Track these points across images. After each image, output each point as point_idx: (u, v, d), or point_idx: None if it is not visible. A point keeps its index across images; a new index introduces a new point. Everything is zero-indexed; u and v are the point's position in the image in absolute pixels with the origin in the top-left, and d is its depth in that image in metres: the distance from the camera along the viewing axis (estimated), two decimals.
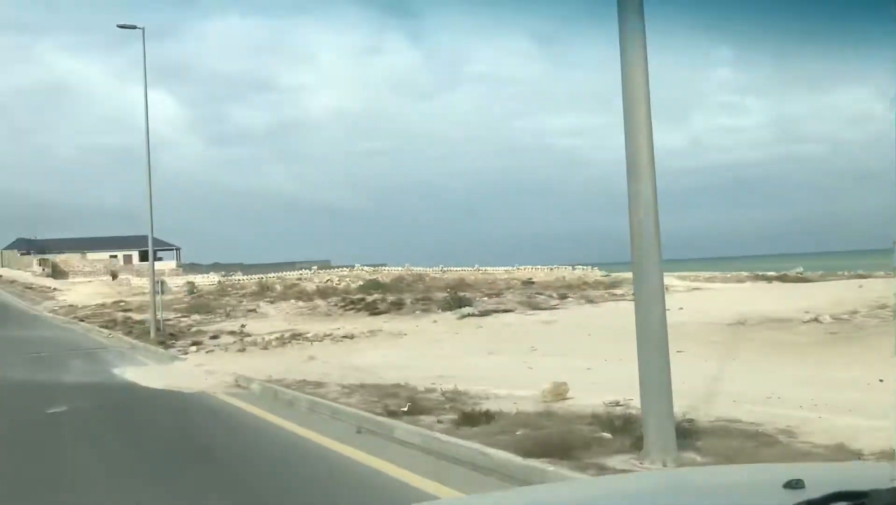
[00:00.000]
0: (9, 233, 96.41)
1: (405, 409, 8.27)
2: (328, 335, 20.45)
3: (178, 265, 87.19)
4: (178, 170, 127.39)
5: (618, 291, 33.41)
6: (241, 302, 39.07)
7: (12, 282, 58.71)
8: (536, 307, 24.88)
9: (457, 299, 25.84)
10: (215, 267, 78.31)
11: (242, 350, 18.22)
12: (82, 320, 35.45)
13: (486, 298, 28.30)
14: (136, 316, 35.47)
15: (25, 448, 9.03)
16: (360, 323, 24.16)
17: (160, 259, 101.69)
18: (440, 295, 31.34)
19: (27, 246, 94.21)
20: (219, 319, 32.01)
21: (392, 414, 8.26)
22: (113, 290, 55.41)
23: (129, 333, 27.35)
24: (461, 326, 21.13)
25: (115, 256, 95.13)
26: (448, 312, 23.87)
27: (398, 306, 27.88)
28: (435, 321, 22.39)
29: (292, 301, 37.52)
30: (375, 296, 35.51)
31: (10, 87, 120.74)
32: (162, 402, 12.14)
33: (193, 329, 27.51)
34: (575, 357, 13.74)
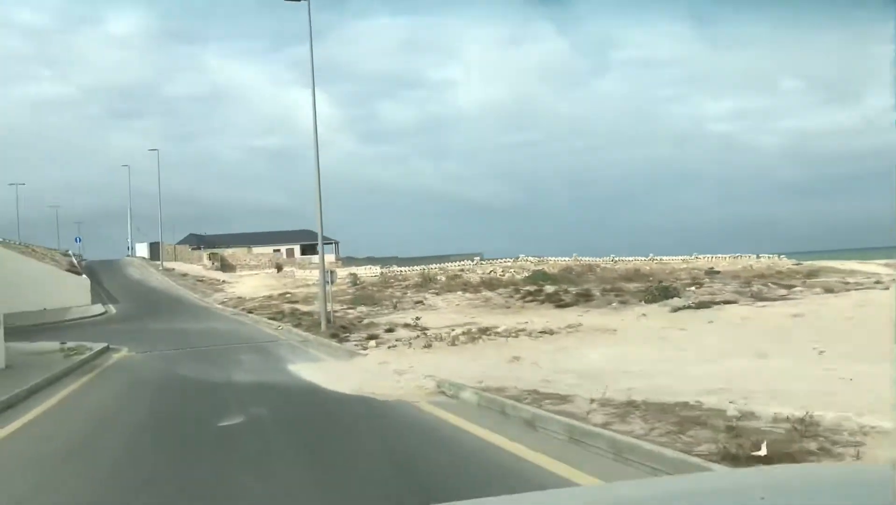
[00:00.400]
0: (181, 230, 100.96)
1: (761, 452, 5.16)
2: (520, 330, 17.58)
3: (337, 258, 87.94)
4: (332, 167, 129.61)
5: (829, 280, 28.63)
6: (405, 293, 37.16)
7: (184, 275, 60.22)
8: (761, 298, 20.94)
9: (661, 290, 22.31)
10: (370, 260, 77.75)
11: (428, 346, 15.67)
12: (251, 312, 34.58)
13: (692, 289, 24.53)
14: (303, 307, 34.23)
15: (195, 482, 6.66)
16: (549, 316, 21.18)
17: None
18: (629, 286, 27.81)
19: (198, 241, 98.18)
20: (386, 311, 30.03)
21: (735, 459, 5.18)
22: (278, 282, 55.45)
23: (298, 325, 25.73)
24: (679, 319, 17.67)
25: (279, 250, 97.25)
26: (654, 304, 20.42)
27: (586, 298, 24.68)
28: (644, 315, 19.02)
29: (459, 292, 35.10)
30: (551, 287, 32.43)
31: (180, 95, 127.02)
32: (354, 413, 9.60)
33: (364, 321, 25.51)
34: (882, 361, 10.03)
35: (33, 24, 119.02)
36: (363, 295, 36.00)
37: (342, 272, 51.70)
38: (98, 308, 41.49)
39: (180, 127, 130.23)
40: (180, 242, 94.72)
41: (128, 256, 78.10)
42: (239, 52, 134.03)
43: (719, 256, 51.38)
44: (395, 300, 32.22)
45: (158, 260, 71.21)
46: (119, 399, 11.76)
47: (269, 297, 42.24)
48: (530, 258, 45.67)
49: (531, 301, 26.31)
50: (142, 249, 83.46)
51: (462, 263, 45.80)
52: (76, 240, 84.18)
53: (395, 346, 16.03)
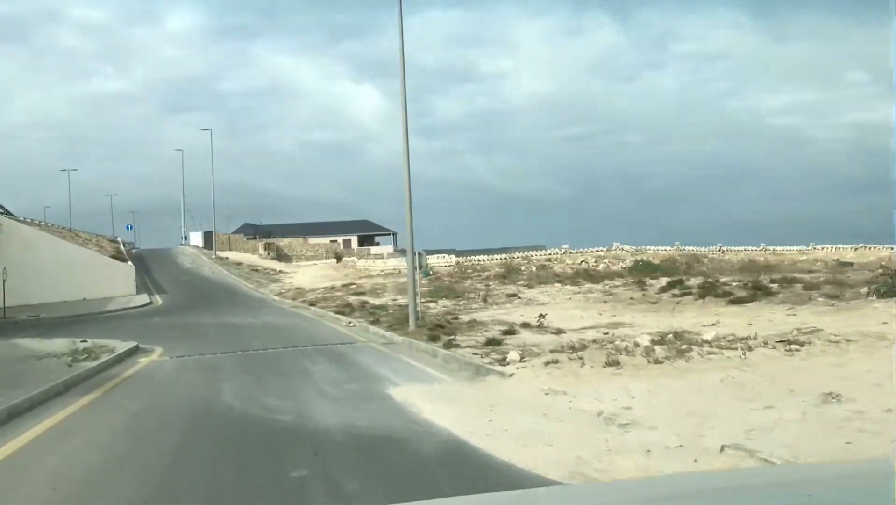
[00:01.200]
0: (236, 221, 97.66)
1: None
2: (741, 339, 11.72)
3: (395, 250, 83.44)
4: (384, 161, 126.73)
5: None
6: (487, 285, 31.72)
7: (239, 264, 55.76)
8: None
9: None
10: (428, 253, 72.74)
11: (613, 363, 9.91)
12: (313, 305, 29.48)
13: None
14: (373, 300, 29.02)
15: None
16: (736, 316, 15.48)
17: (377, 244, 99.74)
18: (803, 276, 21.78)
19: (253, 231, 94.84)
20: (476, 305, 24.57)
21: None
22: (339, 272, 50.49)
23: (375, 322, 20.46)
24: None
25: (335, 241, 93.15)
26: (892, 299, 14.53)
27: (763, 292, 18.87)
28: None
29: (556, 285, 29.44)
30: (666, 278, 26.55)
31: (234, 90, 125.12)
32: None
33: (460, 318, 20.09)
34: None
35: (95, 20, 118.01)
36: (442, 287, 30.59)
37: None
38: (143, 298, 36.99)
39: (235, 122, 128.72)
40: (235, 232, 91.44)
41: (181, 244, 74.54)
42: (293, 46, 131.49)
43: (840, 246, 44.68)
44: (481, 293, 26.72)
45: (212, 249, 67.20)
46: (101, 466, 6.37)
47: (332, 288, 37.19)
48: (626, 247, 39.74)
49: (681, 295, 20.53)
50: (196, 238, 79.89)
51: (549, 251, 40.09)
52: (127, 227, 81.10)
53: (554, 361, 10.37)
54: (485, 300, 25.00)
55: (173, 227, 77.76)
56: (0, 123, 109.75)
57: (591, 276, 32.98)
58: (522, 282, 32.14)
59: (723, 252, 40.93)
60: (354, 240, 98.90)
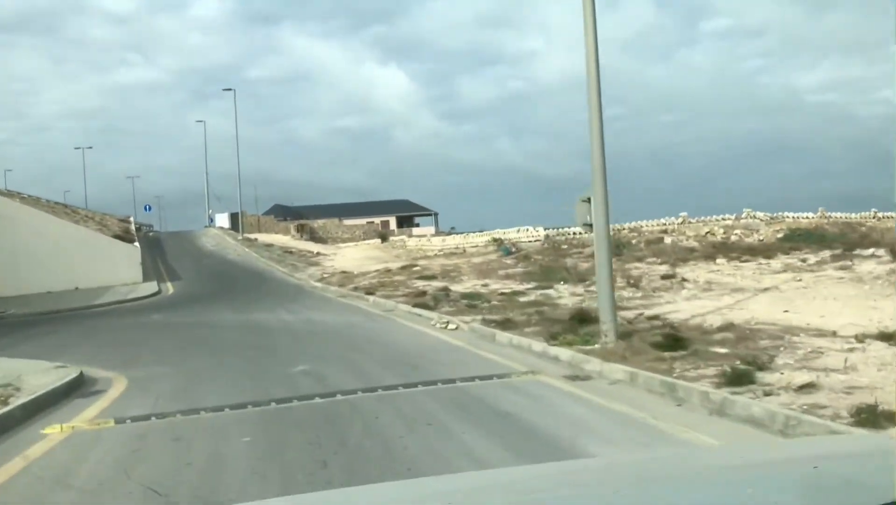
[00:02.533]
0: (266, 203, 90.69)
1: None
2: None
3: (437, 231, 75.82)
4: (414, 145, 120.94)
5: None
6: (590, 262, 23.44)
7: (269, 245, 48.01)
8: None
9: None
10: (452, 231, 65.44)
11: None
12: (370, 293, 21.54)
13: None
14: (454, 287, 20.98)
15: None
16: None
17: (417, 224, 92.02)
18: None
19: (284, 213, 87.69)
20: (629, 294, 16.33)
21: None
22: (386, 253, 42.41)
23: (500, 325, 12.38)
24: None
25: (372, 222, 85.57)
26: None
27: None
28: None
29: (721, 260, 21.12)
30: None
31: (261, 77, 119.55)
32: None
33: (644, 315, 11.87)
34: None
35: (122, 10, 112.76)
36: (542, 267, 22.40)
37: (453, 240, 38.37)
38: (150, 287, 29.28)
39: (262, 109, 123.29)
40: (265, 214, 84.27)
41: (207, 226, 67.38)
42: (320, 31, 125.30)
43: None
44: (631, 278, 18.50)
45: (239, 231, 59.75)
46: None
47: (387, 270, 29.22)
48: (759, 214, 31.24)
49: None
50: (222, 221, 72.75)
51: (664, 221, 31.64)
52: (146, 208, 73.77)
53: None
54: (636, 285, 16.77)
55: (200, 214, 70.46)
56: (32, 114, 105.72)
57: (730, 249, 24.59)
58: (652, 258, 23.83)
59: (878, 218, 32.23)
60: (393, 221, 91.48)
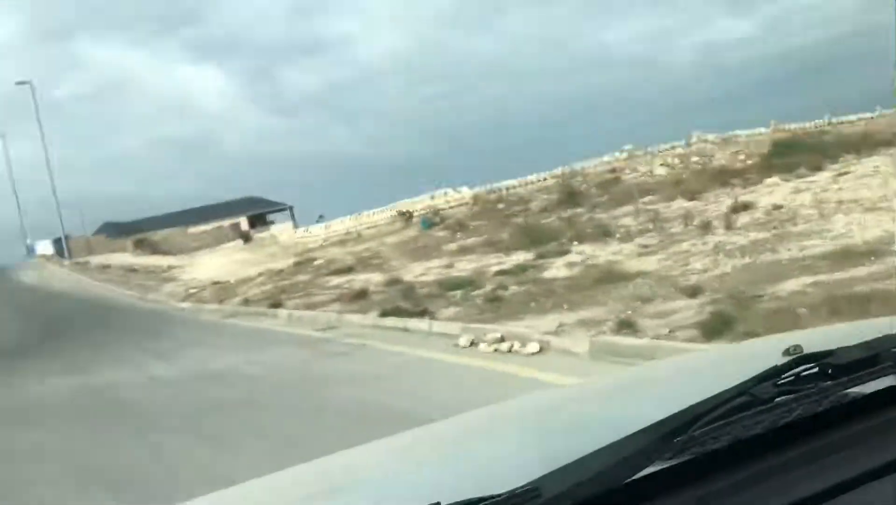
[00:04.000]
0: (95, 223, 79.18)
1: None
2: None
3: (295, 225, 68.29)
4: (245, 144, 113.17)
5: None
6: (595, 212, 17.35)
7: (105, 267, 38.92)
8: None
9: None
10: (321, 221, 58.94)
11: None
12: (277, 305, 14.40)
13: None
14: (404, 277, 14.30)
15: None
16: None
17: (271, 222, 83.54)
18: None
19: (116, 230, 76.61)
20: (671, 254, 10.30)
21: None
22: (257, 254, 34.61)
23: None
24: None
25: (221, 226, 76.15)
26: None
27: None
28: None
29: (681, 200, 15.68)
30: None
31: (69, 95, 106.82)
32: None
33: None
34: None
35: None
36: (521, 231, 16.12)
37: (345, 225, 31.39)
38: None
39: (74, 128, 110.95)
40: (96, 234, 73.13)
41: (26, 257, 56.83)
42: (123, 41, 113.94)
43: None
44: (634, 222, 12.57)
45: (65, 256, 49.90)
46: None
47: (276, 272, 22.04)
48: (709, 136, 26.25)
49: None
50: (44, 248, 61.97)
51: (604, 159, 25.92)
52: None
53: None
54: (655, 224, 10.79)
55: (15, 244, 59.49)
56: None
57: (721, 177, 19.29)
58: (631, 204, 18.01)
59: (833, 125, 28.16)
60: (244, 221, 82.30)
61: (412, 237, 22.38)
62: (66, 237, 52.19)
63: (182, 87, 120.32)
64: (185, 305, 20.59)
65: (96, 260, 45.09)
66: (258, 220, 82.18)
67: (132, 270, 36.30)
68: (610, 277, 8.99)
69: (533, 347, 6.45)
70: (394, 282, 13.55)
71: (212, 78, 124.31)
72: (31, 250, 61.38)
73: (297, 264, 22.35)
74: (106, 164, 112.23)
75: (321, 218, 65.82)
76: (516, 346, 6.63)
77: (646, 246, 11.38)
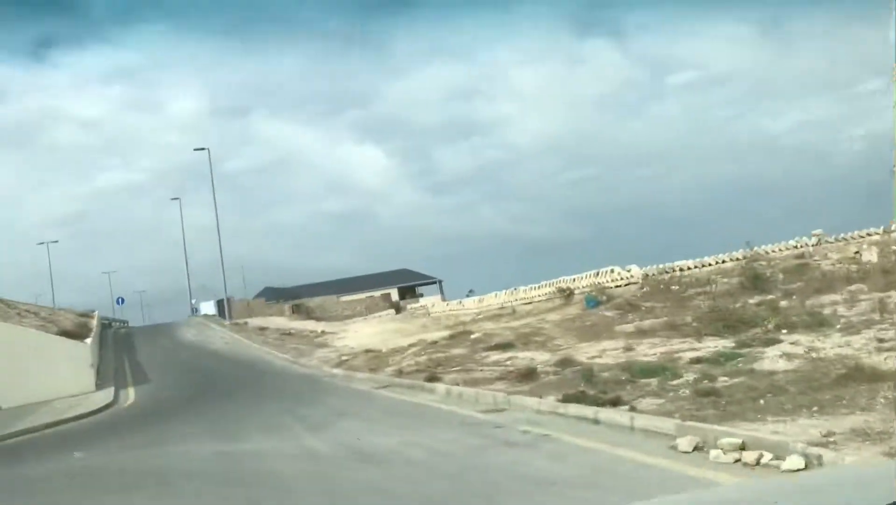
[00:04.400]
0: (255, 288, 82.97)
1: None
2: None
3: (443, 298, 67.70)
4: (400, 219, 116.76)
5: None
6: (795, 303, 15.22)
7: (263, 329, 39.58)
8: None
9: None
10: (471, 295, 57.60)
11: None
12: (434, 379, 13.25)
13: None
14: (576, 357, 12.75)
15: None
16: None
17: (420, 295, 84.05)
18: None
19: (275, 295, 79.65)
20: None
21: None
22: (409, 324, 34.07)
23: None
24: None
25: (372, 296, 77.41)
26: None
27: None
28: None
29: None
30: None
31: (241, 168, 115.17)
32: None
33: None
34: None
35: (94, 115, 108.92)
36: (713, 314, 14.23)
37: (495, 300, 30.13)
38: (103, 397, 20.90)
39: (244, 199, 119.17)
40: (256, 297, 76.19)
41: (190, 316, 59.46)
42: (296, 119, 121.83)
43: None
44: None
45: (226, 317, 51.69)
46: None
47: (430, 343, 20.99)
48: None
49: None
50: (207, 308, 64.75)
51: (798, 242, 23.48)
52: (118, 301, 65.17)
53: None
54: None
55: (186, 307, 62.54)
56: (13, 225, 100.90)
57: None
58: (833, 292, 15.66)
59: None
60: (394, 292, 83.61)
61: (576, 315, 20.81)
62: (228, 299, 54.15)
63: (344, 164, 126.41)
64: (337, 371, 19.93)
65: (254, 322, 46.21)
66: (408, 292, 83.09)
67: (287, 333, 36.67)
68: (858, 374, 7.16)
69: (795, 461, 4.82)
70: (566, 362, 12.07)
71: (372, 156, 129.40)
72: (195, 310, 64.34)
73: (451, 337, 21.27)
74: (269, 233, 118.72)
75: (471, 292, 64.93)
76: (766, 457, 5.03)
77: (882, 340, 9.34)
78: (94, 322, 36.48)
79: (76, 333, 27.75)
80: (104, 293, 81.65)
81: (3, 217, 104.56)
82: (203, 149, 44.53)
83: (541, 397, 9.09)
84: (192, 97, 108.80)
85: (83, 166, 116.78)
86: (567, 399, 8.34)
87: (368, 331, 33.40)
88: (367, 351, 22.92)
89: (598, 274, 23.74)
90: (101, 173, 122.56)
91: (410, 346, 21.94)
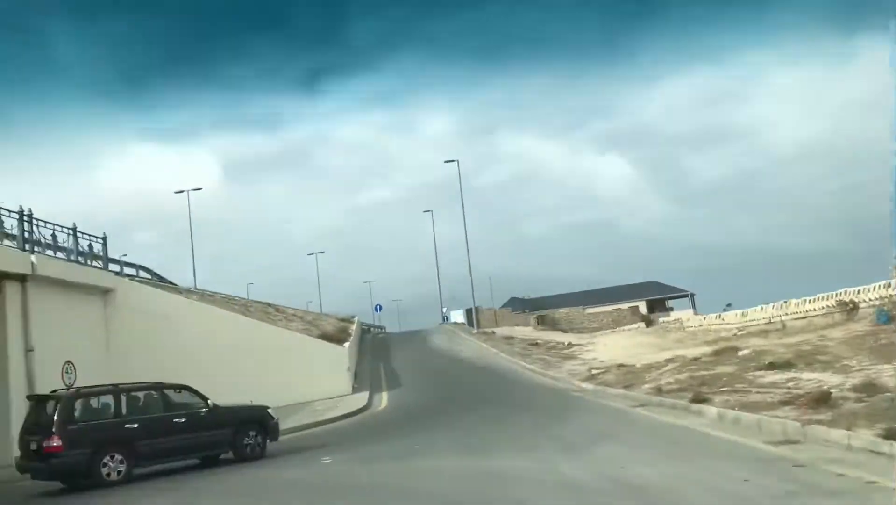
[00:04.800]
0: (501, 298, 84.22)
1: None
2: None
3: (696, 313, 63.36)
4: (645, 230, 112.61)
5: None
6: None
7: (509, 338, 39.40)
8: None
9: None
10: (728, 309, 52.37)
11: None
12: (700, 400, 11.61)
13: None
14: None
15: None
16: None
17: (670, 308, 79.85)
18: None
19: (521, 305, 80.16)
20: None
21: None
22: (662, 339, 31.98)
23: None
24: None
25: (619, 309, 75.01)
26: None
27: None
28: None
29: None
30: None
31: (489, 184, 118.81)
32: None
33: None
34: None
35: (359, 139, 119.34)
36: None
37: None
38: (358, 400, 21.59)
39: (490, 213, 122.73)
40: (502, 307, 77.04)
41: (441, 324, 61.27)
42: (539, 135, 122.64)
43: None
44: None
45: (474, 326, 52.33)
46: None
47: (691, 360, 19.13)
48: None
49: None
50: (457, 317, 66.41)
51: None
52: (376, 308, 68.87)
53: None
54: None
55: (437, 316, 65.05)
56: (286, 239, 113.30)
57: None
58: None
59: None
60: (642, 305, 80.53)
61: (866, 332, 17.87)
62: (476, 308, 54.84)
63: (587, 175, 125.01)
64: (587, 385, 18.76)
65: (501, 331, 46.33)
66: (657, 305, 79.51)
67: (533, 343, 36.10)
68: None
69: None
70: (870, 387, 9.97)
71: (616, 166, 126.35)
72: (446, 318, 66.09)
73: (714, 353, 19.20)
74: (515, 245, 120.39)
75: (729, 306, 60.35)
76: None
77: None
78: (354, 327, 38.43)
79: (336, 337, 29.15)
80: (365, 301, 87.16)
81: (279, 231, 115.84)
82: (453, 161, 45.48)
83: (849, 430, 7.31)
84: (444, 117, 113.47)
85: (347, 185, 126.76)
86: (892, 435, 6.55)
87: (618, 344, 31.81)
88: (620, 365, 21.48)
89: (888, 285, 20.34)
90: (363, 191, 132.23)
91: (667, 361, 20.19)
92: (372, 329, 59.25)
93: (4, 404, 14.98)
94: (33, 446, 11.10)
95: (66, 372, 14.73)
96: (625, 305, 74.71)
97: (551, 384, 20.76)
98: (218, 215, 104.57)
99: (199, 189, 44.97)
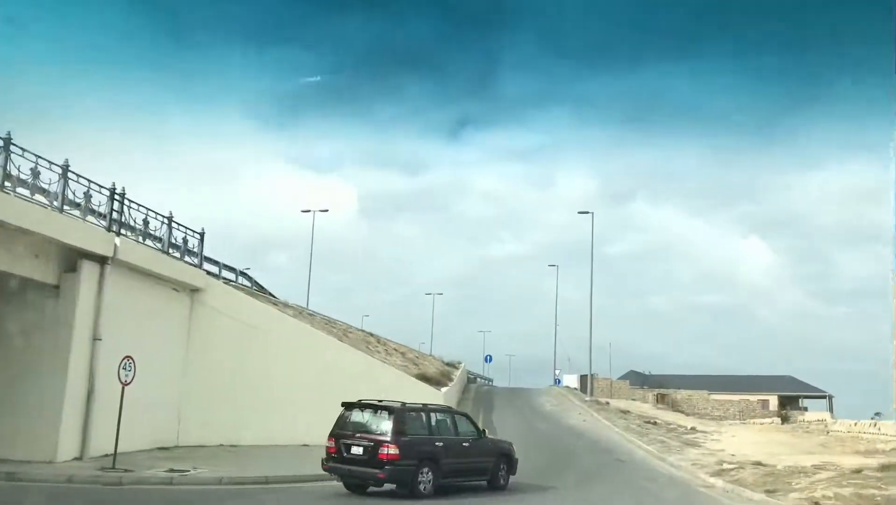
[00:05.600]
0: (619, 370, 79.98)
1: None
2: None
3: (833, 417, 57.03)
4: (780, 323, 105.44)
5: None
6: None
7: (625, 412, 35.91)
8: None
9: None
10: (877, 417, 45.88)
11: None
12: None
13: None
14: None
15: None
16: None
17: (805, 408, 73.04)
18: None
19: (640, 380, 75.84)
20: None
21: None
22: (799, 438, 27.74)
23: None
24: None
25: (748, 400, 69.47)
26: None
27: None
28: None
29: None
30: None
31: (620, 253, 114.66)
32: None
33: None
34: None
35: (496, 190, 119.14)
36: None
37: None
38: None
39: (618, 283, 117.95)
40: (619, 378, 72.95)
41: (552, 385, 58.29)
42: (682, 207, 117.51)
43: None
44: None
45: (587, 392, 48.90)
46: None
47: (854, 472, 15.57)
48: None
49: None
50: (570, 381, 63.06)
51: None
52: (486, 359, 66.61)
53: None
54: None
55: (549, 377, 62.37)
56: (411, 280, 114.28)
57: None
58: None
59: None
60: (773, 399, 74.46)
61: None
62: (592, 375, 51.38)
63: (725, 257, 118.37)
64: (716, 481, 15.60)
65: (616, 403, 42.72)
66: (789, 402, 73.19)
67: (652, 422, 32.55)
68: None
69: None
70: None
71: (757, 251, 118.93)
72: (557, 381, 63.15)
73: (883, 468, 15.59)
74: (639, 318, 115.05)
75: (878, 415, 53.68)
76: None
77: None
78: (458, 373, 36.13)
79: (436, 380, 26.99)
80: (476, 350, 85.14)
81: (407, 271, 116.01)
82: (587, 212, 42.75)
83: None
84: (583, 178, 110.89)
85: (477, 233, 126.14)
86: None
87: (749, 437, 27.87)
88: (755, 463, 18.06)
89: None
90: (492, 242, 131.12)
91: (816, 468, 16.70)
92: (478, 379, 56.85)
93: (58, 396, 13.63)
94: (358, 451, 11.74)
95: (124, 368, 13.20)
96: (753, 397, 69.03)
97: (670, 472, 17.62)
98: (348, 247, 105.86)
99: (326, 211, 44.36)
